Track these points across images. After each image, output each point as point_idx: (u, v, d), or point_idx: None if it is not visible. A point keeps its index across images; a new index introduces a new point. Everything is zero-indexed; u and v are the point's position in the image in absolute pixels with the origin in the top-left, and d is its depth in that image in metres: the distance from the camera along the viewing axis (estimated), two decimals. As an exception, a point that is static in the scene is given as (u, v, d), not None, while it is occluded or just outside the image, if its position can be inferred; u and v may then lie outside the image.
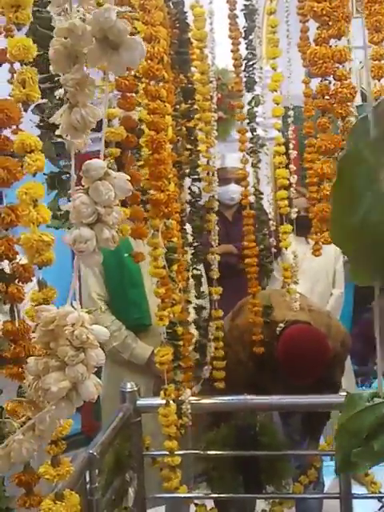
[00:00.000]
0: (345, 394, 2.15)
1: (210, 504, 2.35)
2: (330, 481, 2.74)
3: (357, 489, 2.13)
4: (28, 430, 0.51)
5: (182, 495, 2.25)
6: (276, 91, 2.30)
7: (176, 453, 2.07)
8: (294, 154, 2.48)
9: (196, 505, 2.36)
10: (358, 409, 0.75)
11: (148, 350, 2.62)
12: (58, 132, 0.52)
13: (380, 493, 2.14)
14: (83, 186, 0.50)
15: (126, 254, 2.46)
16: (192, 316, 2.39)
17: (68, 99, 0.50)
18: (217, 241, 2.40)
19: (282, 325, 2.26)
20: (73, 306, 0.52)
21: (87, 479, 1.80)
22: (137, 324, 2.69)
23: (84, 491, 1.76)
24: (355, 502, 2.09)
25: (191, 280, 2.38)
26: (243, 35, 2.43)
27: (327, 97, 1.83)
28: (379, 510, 2.08)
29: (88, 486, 1.79)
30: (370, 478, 2.12)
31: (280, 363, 2.17)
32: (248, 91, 2.46)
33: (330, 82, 1.79)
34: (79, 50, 0.50)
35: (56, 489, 1.32)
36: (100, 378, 2.24)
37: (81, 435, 3.54)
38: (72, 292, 0.51)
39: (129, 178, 1.63)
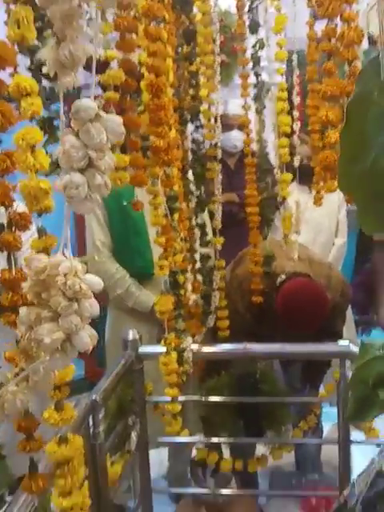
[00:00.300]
0: (345, 343, 2.17)
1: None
2: (328, 426, 2.79)
3: (355, 435, 2.16)
4: (22, 380, 0.50)
5: (184, 439, 2.30)
6: (280, 34, 2.21)
7: (178, 399, 2.11)
8: (297, 100, 2.41)
9: (197, 449, 2.42)
10: (369, 357, 0.74)
11: (151, 298, 2.61)
12: (45, 70, 0.49)
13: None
14: (73, 128, 0.47)
15: (124, 203, 2.43)
16: (197, 265, 2.39)
17: (55, 33, 0.46)
18: (220, 190, 2.37)
19: (283, 276, 2.25)
20: (64, 255, 0.50)
21: (90, 424, 1.83)
22: (141, 272, 2.68)
23: (87, 436, 1.79)
24: (353, 447, 2.12)
25: (196, 229, 2.36)
26: (246, -25, 2.34)
27: (333, 40, 1.77)
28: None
29: (91, 430, 1.82)
30: (368, 425, 2.14)
31: (279, 315, 2.17)
32: (251, 34, 2.37)
33: (336, 25, 1.72)
34: None
35: (59, 433, 1.34)
36: (105, 325, 2.27)
37: (84, 381, 3.58)
38: (63, 241, 0.49)
39: (128, 122, 1.57)
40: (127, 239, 2.66)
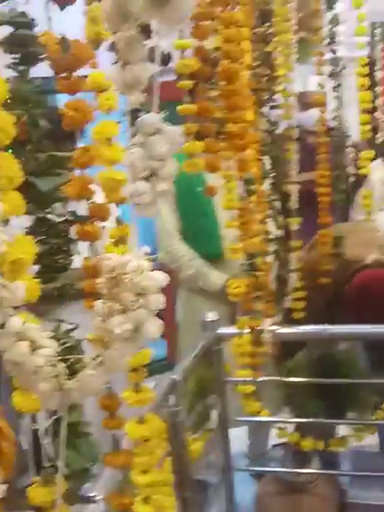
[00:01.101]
0: None
1: (291, 428, 2.44)
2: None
3: None
4: (97, 366, 0.57)
5: (263, 419, 2.36)
6: (360, 8, 2.18)
7: (258, 379, 2.17)
8: (380, 74, 2.37)
9: (279, 429, 2.46)
10: None
11: (222, 279, 2.67)
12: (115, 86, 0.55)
13: None
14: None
15: (199, 189, 2.49)
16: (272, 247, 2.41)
17: (119, 57, 0.52)
18: (297, 170, 2.37)
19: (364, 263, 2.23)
20: (139, 253, 0.56)
21: (172, 403, 1.91)
22: (210, 253, 2.76)
23: (169, 414, 1.88)
24: None
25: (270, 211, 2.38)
26: None
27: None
28: None
29: (172, 408, 1.91)
30: None
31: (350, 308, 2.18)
32: (328, 9, 2.34)
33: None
34: (130, 8, 0.51)
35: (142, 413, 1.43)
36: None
37: (166, 361, 3.71)
38: (133, 242, 0.55)
39: (201, 110, 1.62)
40: (195, 221, 2.74)
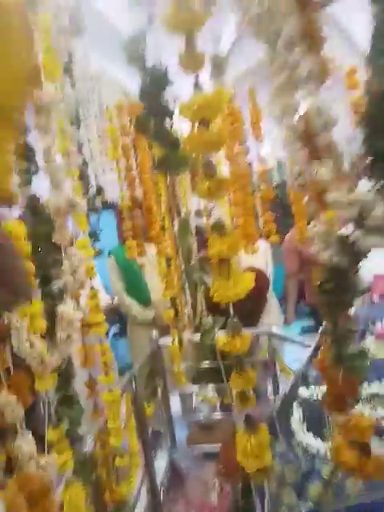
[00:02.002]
0: (270, 327, 2.25)
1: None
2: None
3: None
4: (55, 353, 0.71)
5: (189, 391, 2.44)
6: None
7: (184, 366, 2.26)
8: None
9: (197, 394, 2.51)
10: None
11: (151, 314, 2.87)
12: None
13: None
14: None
15: (135, 265, 2.68)
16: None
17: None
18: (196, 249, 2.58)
19: None
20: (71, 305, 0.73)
21: (134, 385, 1.99)
22: (142, 300, 2.93)
23: (132, 391, 1.93)
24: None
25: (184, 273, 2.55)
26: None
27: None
28: None
29: (134, 387, 1.95)
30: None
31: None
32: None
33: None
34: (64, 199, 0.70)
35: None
36: (126, 334, 2.45)
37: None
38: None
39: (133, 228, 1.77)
40: (133, 284, 2.94)
